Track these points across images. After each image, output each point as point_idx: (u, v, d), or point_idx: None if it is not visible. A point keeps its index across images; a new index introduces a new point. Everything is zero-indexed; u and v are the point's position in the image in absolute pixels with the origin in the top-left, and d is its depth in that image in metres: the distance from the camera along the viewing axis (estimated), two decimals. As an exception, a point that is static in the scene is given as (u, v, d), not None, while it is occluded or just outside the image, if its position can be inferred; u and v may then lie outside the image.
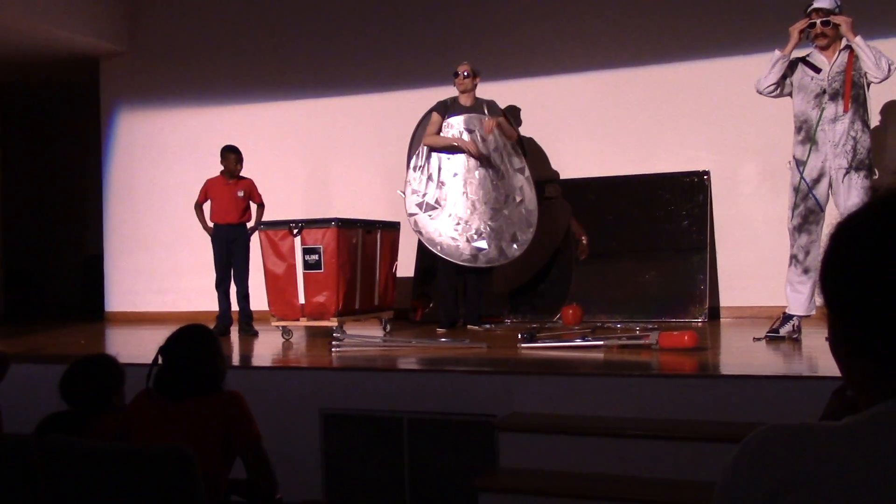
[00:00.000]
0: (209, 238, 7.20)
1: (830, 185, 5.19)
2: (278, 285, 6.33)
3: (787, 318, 5.36)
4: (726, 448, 1.12)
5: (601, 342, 5.29)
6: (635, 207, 7.50)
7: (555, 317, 7.12)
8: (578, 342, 5.38)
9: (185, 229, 8.00)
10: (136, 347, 6.38)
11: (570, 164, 7.82)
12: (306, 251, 6.22)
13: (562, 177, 7.82)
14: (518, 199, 7.07)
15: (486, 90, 7.59)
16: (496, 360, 5.07)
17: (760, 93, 5.49)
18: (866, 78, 5.19)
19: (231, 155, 7.22)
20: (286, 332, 6.41)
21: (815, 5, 5.28)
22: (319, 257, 6.18)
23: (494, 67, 7.99)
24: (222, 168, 7.23)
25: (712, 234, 7.31)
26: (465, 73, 7.06)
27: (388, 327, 6.77)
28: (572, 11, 7.87)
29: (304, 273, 6.25)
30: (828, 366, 3.91)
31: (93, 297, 10.04)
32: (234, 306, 7.15)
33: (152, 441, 2.78)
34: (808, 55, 5.38)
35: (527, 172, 7.15)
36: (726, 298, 7.25)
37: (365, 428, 4.46)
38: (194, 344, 2.99)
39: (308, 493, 4.40)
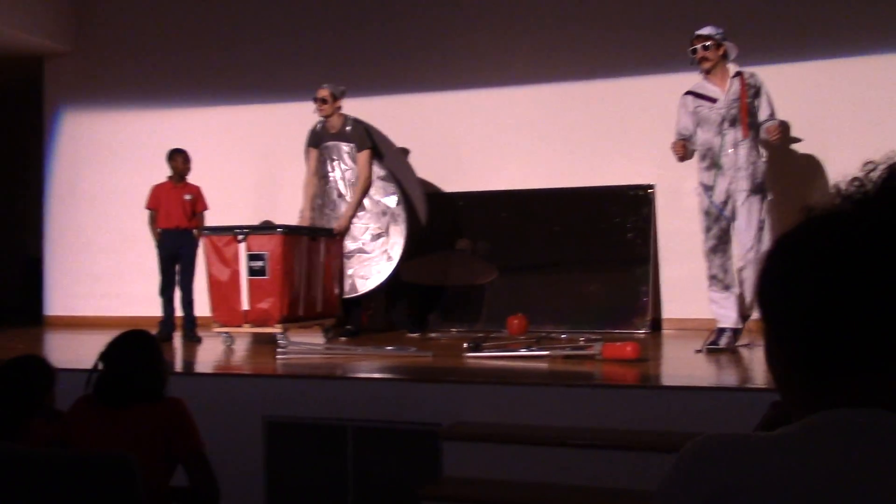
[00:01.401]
0: (154, 242, 7.13)
1: (737, 208, 5.55)
2: (222, 291, 6.30)
3: (721, 331, 5.60)
4: (666, 458, 1.15)
5: (546, 352, 5.33)
6: (581, 219, 7.58)
7: (500, 326, 7.15)
8: (523, 352, 5.42)
9: (130, 233, 7.90)
10: (76, 352, 6.25)
11: (518, 175, 7.87)
12: (251, 257, 6.21)
13: (509, 188, 7.85)
14: (378, 233, 7.19)
15: (430, 100, 7.68)
16: (442, 369, 5.08)
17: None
18: (760, 115, 5.59)
19: (179, 156, 7.18)
20: (228, 338, 6.37)
21: (697, 32, 5.69)
22: (264, 264, 6.17)
23: (442, 77, 8.04)
24: (170, 172, 7.17)
25: (656, 246, 7.42)
26: (323, 99, 7.05)
27: (331, 334, 6.77)
28: (521, 23, 7.94)
29: (248, 279, 6.22)
30: (765, 378, 4.00)
31: (32, 300, 9.83)
32: (178, 312, 7.06)
33: (92, 448, 2.74)
34: (696, 86, 5.76)
35: (398, 206, 7.19)
36: (669, 310, 7.36)
37: (309, 436, 4.43)
38: (136, 350, 2.94)
39: (250, 502, 4.36)
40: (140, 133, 9.00)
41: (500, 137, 7.98)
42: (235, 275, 6.25)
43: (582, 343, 5.67)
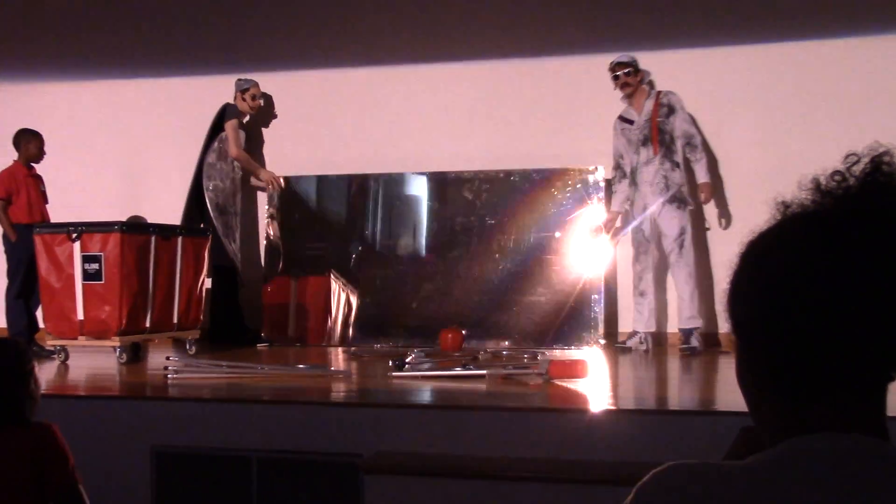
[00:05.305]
0: (9, 236, 7.09)
1: (655, 220, 6.80)
2: (55, 298, 6.31)
3: (634, 333, 6.95)
4: (622, 491, 1.16)
5: (484, 371, 5.35)
6: (521, 209, 7.54)
7: (432, 341, 7.12)
8: (458, 371, 5.44)
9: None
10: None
11: (445, 155, 7.86)
12: (86, 259, 6.20)
13: (435, 169, 7.83)
14: None
15: (357, 75, 7.70)
16: (362, 390, 5.07)
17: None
18: (675, 131, 6.81)
19: (35, 140, 7.17)
20: (60, 352, 6.37)
21: (616, 60, 6.94)
22: (100, 266, 6.16)
23: (367, 52, 8.00)
24: (19, 157, 7.16)
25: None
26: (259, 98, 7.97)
27: (194, 349, 6.81)
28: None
29: (83, 284, 6.22)
30: (734, 400, 4.08)
31: None
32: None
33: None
34: (623, 110, 7.02)
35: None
36: (626, 322, 7.29)
37: (206, 469, 4.38)
38: (2, 363, 2.87)
39: (134, 547, 4.30)
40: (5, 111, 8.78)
41: (421, 113, 8.00)
42: (70, 279, 6.25)
43: (525, 361, 5.70)
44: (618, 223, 7.15)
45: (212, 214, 7.60)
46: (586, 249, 7.36)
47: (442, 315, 7.39)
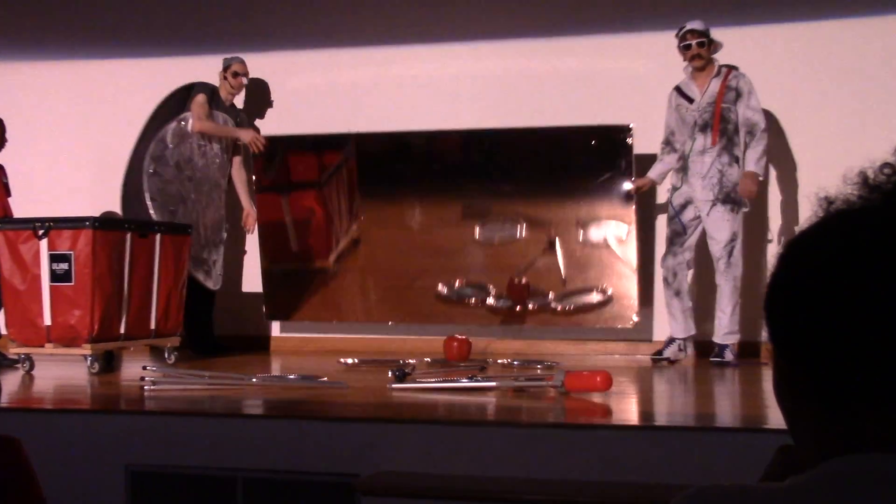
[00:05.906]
0: None
1: (699, 217, 6.57)
2: (19, 301, 6.31)
3: (671, 340, 6.71)
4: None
5: (493, 383, 5.36)
6: (538, 174, 7.44)
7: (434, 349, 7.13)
8: (464, 383, 5.44)
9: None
10: None
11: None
12: (54, 258, 6.20)
13: (434, 127, 7.76)
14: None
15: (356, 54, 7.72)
16: (360, 404, 5.08)
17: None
18: (739, 119, 6.50)
19: None
20: (25, 361, 6.36)
21: (688, 27, 6.57)
22: (70, 266, 6.16)
23: (364, 30, 8.03)
24: None
25: (642, 218, 7.30)
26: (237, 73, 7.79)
27: (173, 358, 6.82)
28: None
29: (51, 286, 6.22)
30: (774, 417, 4.08)
31: None
32: None
33: None
34: (682, 82, 6.74)
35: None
36: (663, 318, 7.07)
37: (186, 490, 4.39)
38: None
39: (107, 576, 4.31)
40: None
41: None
42: (36, 280, 6.24)
43: (539, 372, 5.71)
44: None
45: (148, 201, 7.38)
46: (615, 220, 7.14)
47: (450, 300, 7.40)
